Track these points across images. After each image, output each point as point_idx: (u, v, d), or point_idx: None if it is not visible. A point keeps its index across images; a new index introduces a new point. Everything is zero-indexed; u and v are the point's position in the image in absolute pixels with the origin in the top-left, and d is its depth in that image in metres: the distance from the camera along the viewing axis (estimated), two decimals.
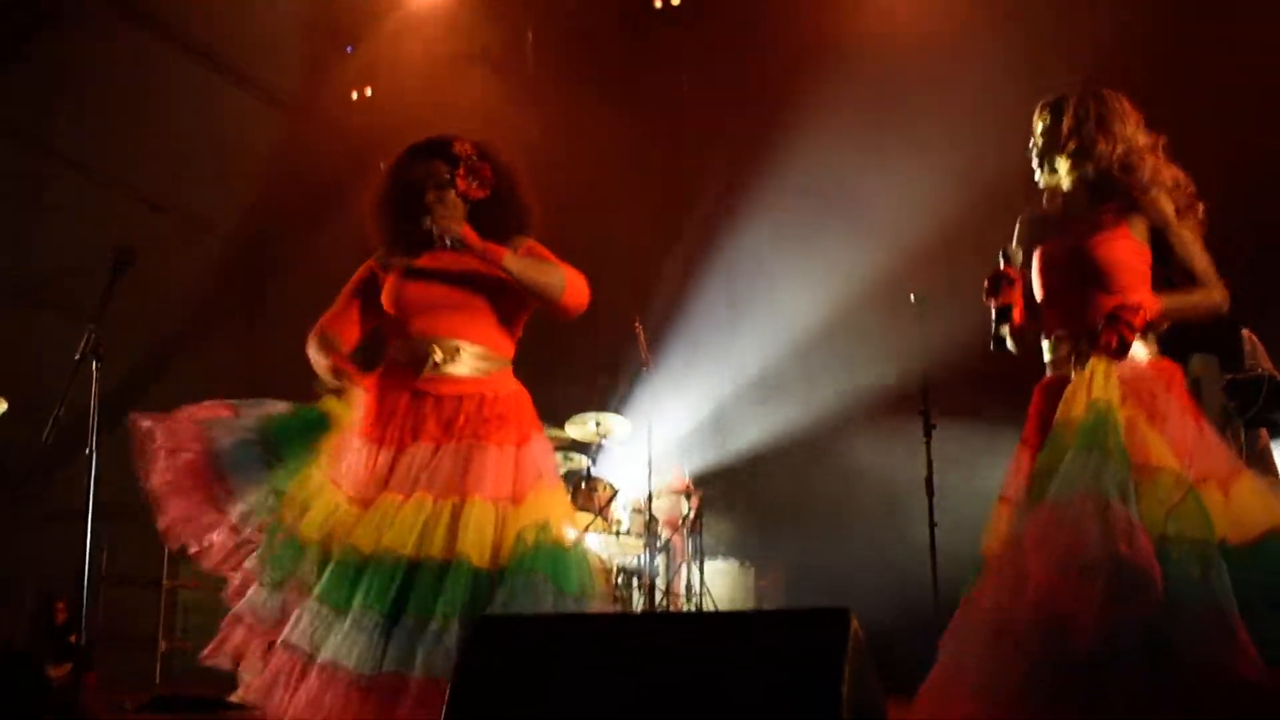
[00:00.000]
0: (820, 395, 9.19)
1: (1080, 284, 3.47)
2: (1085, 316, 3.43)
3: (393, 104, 10.86)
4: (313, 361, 3.70)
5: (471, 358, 3.56)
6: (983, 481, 7.33)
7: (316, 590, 3.29)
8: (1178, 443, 3.20)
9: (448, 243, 3.49)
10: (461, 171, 3.65)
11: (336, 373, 3.62)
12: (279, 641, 3.23)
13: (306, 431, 3.58)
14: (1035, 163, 3.64)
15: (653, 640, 2.65)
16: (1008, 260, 3.56)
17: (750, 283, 9.65)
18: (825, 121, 8.87)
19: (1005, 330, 3.53)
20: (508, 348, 3.66)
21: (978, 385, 6.27)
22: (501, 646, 2.66)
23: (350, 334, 3.76)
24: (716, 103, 9.68)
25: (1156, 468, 3.13)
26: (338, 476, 3.51)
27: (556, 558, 3.36)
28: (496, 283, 3.56)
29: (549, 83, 10.47)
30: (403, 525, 3.31)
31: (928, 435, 5.90)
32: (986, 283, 3.54)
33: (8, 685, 3.53)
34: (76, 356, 4.04)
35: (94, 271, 4.42)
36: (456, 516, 3.34)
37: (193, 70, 10.81)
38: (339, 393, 3.59)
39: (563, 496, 3.69)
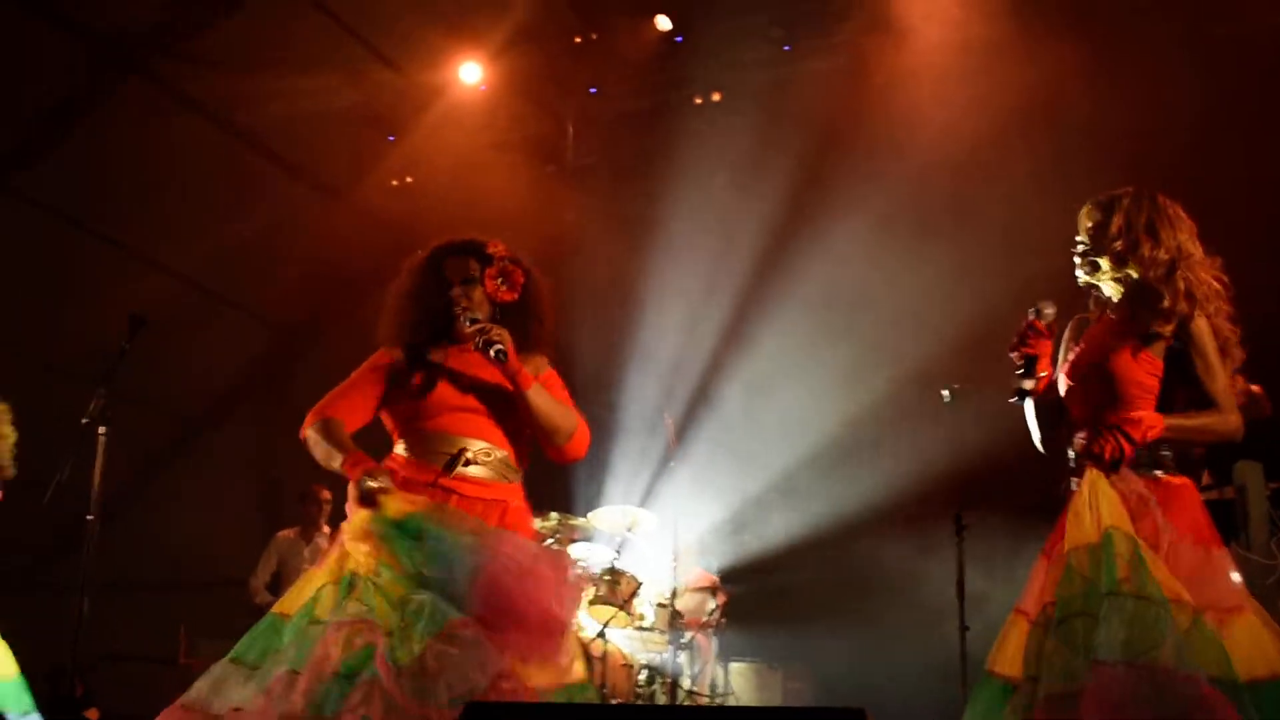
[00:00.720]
0: (850, 493, 9.05)
1: (1094, 396, 3.42)
2: (1093, 429, 3.35)
3: (433, 192, 10.95)
4: (312, 445, 3.58)
5: (499, 463, 3.52)
6: (1016, 584, 7.24)
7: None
8: (1175, 568, 3.07)
9: (492, 353, 3.44)
10: (493, 271, 3.64)
11: (353, 463, 3.42)
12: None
13: None
14: (1078, 260, 3.57)
15: None
16: (1038, 315, 3.49)
17: (777, 377, 9.55)
18: (855, 217, 8.86)
19: (1028, 385, 3.48)
20: (522, 463, 3.63)
21: (1011, 483, 6.15)
22: None
23: (355, 421, 3.66)
24: (747, 196, 9.65)
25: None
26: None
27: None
28: (513, 397, 3.55)
29: (586, 173, 10.53)
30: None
31: (960, 535, 5.73)
32: (1015, 336, 3.50)
33: None
34: (84, 420, 3.97)
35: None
36: None
37: (237, 154, 10.95)
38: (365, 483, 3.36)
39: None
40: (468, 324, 3.51)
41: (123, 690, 9.10)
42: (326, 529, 8.51)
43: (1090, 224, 3.53)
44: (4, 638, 5.56)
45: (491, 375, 3.54)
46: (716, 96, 10.02)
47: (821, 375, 9.09)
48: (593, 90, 10.51)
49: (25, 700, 4.78)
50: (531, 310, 3.68)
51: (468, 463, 3.45)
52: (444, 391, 3.55)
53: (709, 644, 8.10)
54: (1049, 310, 3.50)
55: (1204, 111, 7.79)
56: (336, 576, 3.30)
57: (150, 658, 9.47)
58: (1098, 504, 3.12)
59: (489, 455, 3.49)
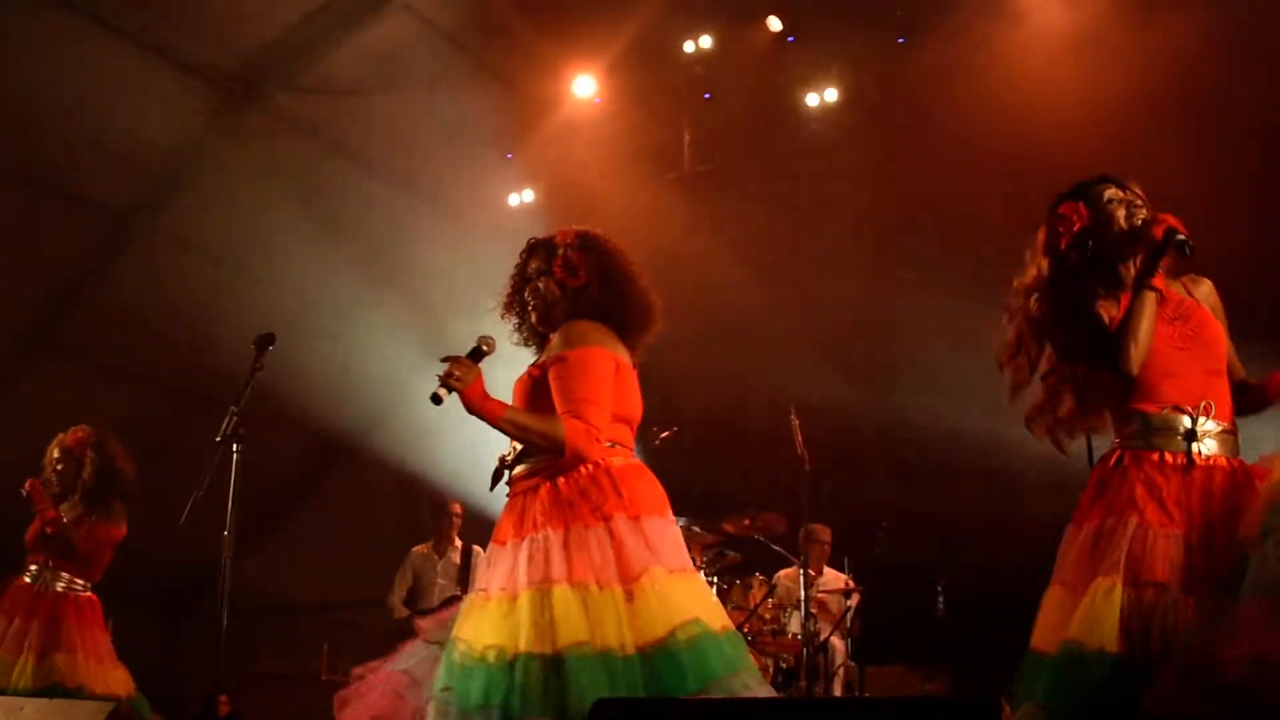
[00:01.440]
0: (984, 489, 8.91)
1: (1202, 365, 3.41)
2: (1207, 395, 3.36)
3: (552, 206, 11.05)
4: None
5: (528, 457, 3.60)
6: None
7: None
8: None
9: (440, 396, 3.50)
10: (558, 261, 3.70)
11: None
12: None
13: None
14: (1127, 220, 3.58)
15: None
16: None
17: (907, 376, 9.41)
18: (969, 208, 8.71)
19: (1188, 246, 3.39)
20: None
21: None
22: None
23: None
24: (861, 196, 9.54)
25: None
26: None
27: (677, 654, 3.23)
28: (538, 386, 3.61)
29: (704, 179, 10.51)
30: (493, 626, 3.30)
31: None
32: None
33: None
34: (218, 439, 4.07)
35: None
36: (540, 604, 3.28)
37: (356, 178, 11.17)
38: None
39: (685, 579, 3.49)
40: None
41: (270, 709, 9.33)
42: (459, 542, 8.61)
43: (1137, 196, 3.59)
44: (164, 660, 5.87)
45: (530, 372, 3.68)
46: (834, 95, 9.93)
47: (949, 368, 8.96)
48: (707, 96, 10.48)
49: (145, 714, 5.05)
50: (606, 286, 3.70)
51: (506, 466, 3.64)
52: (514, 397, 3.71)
53: (843, 646, 8.01)
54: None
55: None
56: None
57: (295, 676, 9.67)
58: None
59: (515, 450, 3.61)
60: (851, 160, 9.77)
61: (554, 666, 3.14)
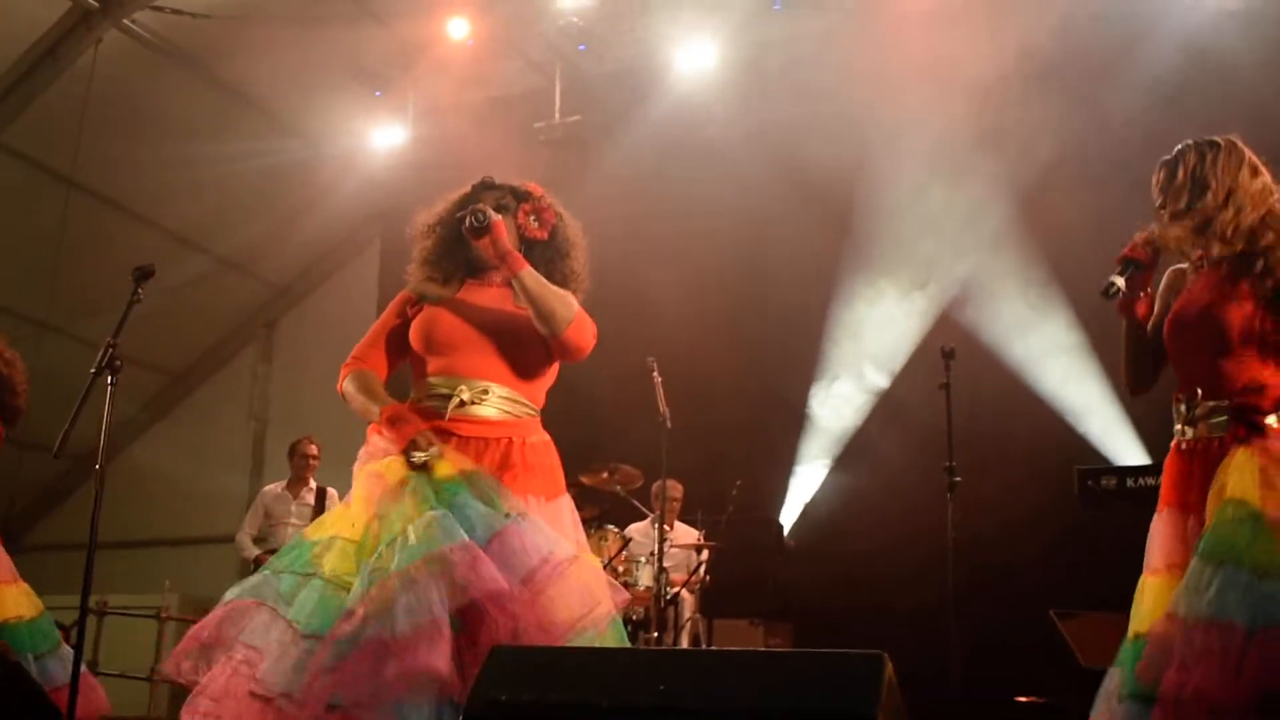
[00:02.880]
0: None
1: (1206, 348, 3.36)
2: (1212, 383, 3.33)
3: (421, 146, 10.93)
4: (348, 398, 3.50)
5: (499, 400, 3.39)
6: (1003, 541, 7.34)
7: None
8: None
9: (480, 217, 3.37)
10: (527, 207, 3.58)
11: (393, 420, 3.34)
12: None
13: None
14: (1145, 241, 3.48)
15: (686, 674, 2.54)
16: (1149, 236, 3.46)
17: (774, 334, 9.61)
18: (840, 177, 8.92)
19: (1118, 281, 3.38)
20: (537, 396, 3.49)
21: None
22: (516, 676, 2.56)
23: (386, 369, 3.60)
24: (732, 159, 9.65)
25: None
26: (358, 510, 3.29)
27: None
28: (526, 327, 3.43)
29: (573, 130, 10.51)
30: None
31: (950, 491, 5.78)
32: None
33: (14, 705, 3.42)
34: (92, 370, 3.97)
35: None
36: None
37: (224, 108, 10.92)
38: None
39: (597, 565, 3.49)
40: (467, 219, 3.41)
41: (107, 645, 9.14)
42: (313, 484, 8.51)
43: (1158, 182, 3.50)
44: None
45: (501, 304, 3.48)
46: (708, 55, 9.99)
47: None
48: (582, 47, 10.46)
49: (53, 635, 4.76)
50: (560, 250, 3.59)
51: (460, 404, 3.35)
52: (447, 329, 3.46)
53: (692, 600, 8.17)
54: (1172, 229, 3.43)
55: None
56: (357, 536, 3.20)
57: (135, 612, 9.48)
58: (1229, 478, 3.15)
59: (486, 394, 3.38)
60: (723, 123, 9.85)
61: None
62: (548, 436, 3.50)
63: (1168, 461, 3.43)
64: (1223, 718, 2.88)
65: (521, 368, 3.46)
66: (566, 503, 3.45)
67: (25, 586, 5.01)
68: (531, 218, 3.57)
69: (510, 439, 3.37)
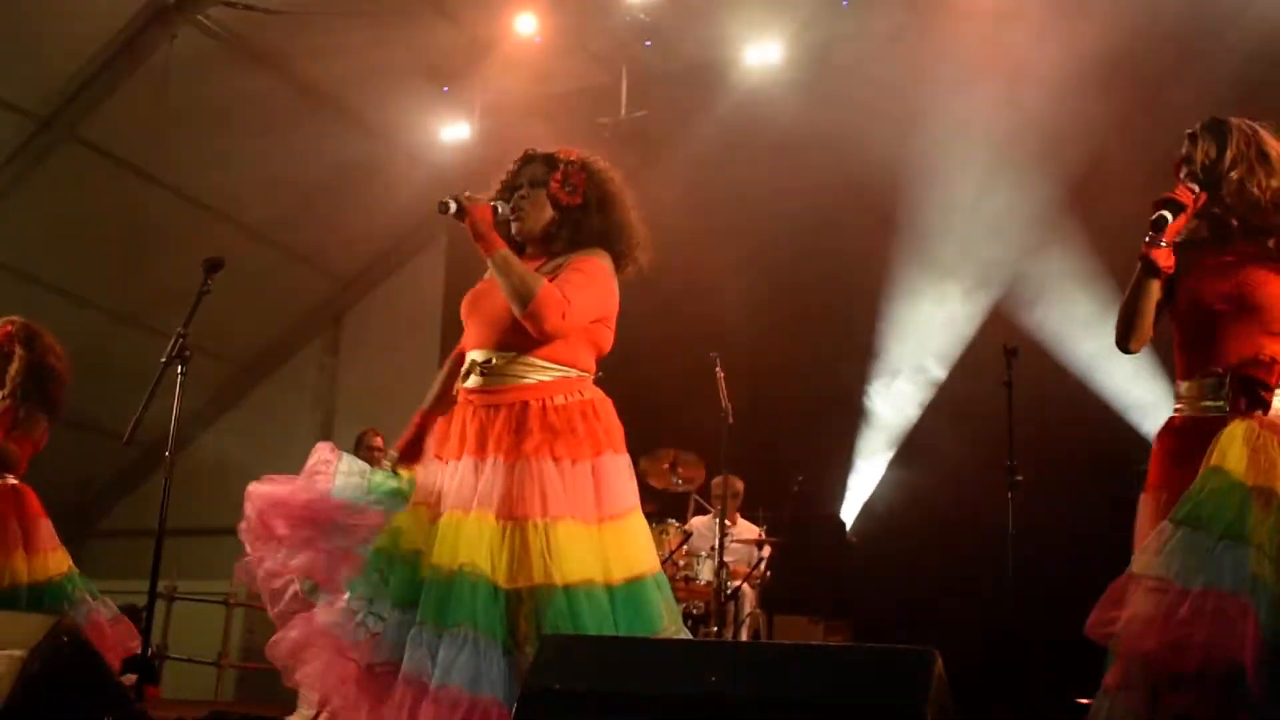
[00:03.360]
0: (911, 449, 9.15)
1: (1233, 324, 3.32)
2: (1238, 357, 3.29)
3: (488, 142, 11.02)
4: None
5: (522, 366, 3.45)
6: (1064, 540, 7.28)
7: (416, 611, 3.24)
8: None
9: (449, 206, 3.44)
10: (558, 175, 3.61)
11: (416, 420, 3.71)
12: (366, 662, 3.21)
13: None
14: (1188, 186, 3.41)
15: (736, 665, 2.57)
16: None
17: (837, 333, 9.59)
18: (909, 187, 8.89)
19: (1170, 217, 3.31)
20: (571, 356, 3.50)
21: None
22: (569, 666, 2.60)
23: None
24: (797, 156, 9.62)
25: None
26: (418, 496, 3.46)
27: (629, 599, 3.29)
28: None
29: (639, 125, 10.53)
30: (469, 545, 3.24)
31: (1011, 490, 5.75)
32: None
33: (81, 683, 3.52)
34: (163, 360, 4.07)
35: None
36: (524, 539, 3.25)
37: (297, 105, 11.07)
38: None
39: (630, 522, 3.47)
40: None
41: (177, 628, 9.30)
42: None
43: (1203, 150, 3.44)
44: None
45: None
46: (774, 51, 9.98)
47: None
48: (648, 43, 10.49)
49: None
50: (597, 212, 3.61)
51: (482, 374, 3.46)
52: (474, 306, 3.59)
53: (752, 595, 8.17)
54: (1196, 187, 3.38)
55: None
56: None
57: (202, 598, 9.66)
58: (1224, 450, 3.12)
59: (491, 363, 3.45)
60: (790, 117, 9.83)
61: (539, 597, 3.17)
62: (587, 396, 3.51)
63: (1160, 442, 3.41)
64: (1159, 676, 2.89)
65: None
66: (607, 461, 3.43)
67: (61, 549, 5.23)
68: (562, 184, 3.60)
69: (526, 402, 3.42)
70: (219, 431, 13.51)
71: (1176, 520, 3.04)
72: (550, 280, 3.45)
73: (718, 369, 7.54)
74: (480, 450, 3.38)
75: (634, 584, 3.32)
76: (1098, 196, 8.33)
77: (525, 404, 3.41)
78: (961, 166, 8.92)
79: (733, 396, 7.54)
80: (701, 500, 8.42)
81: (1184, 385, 3.42)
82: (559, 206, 3.60)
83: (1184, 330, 3.44)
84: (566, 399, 3.44)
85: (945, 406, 8.98)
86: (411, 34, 10.40)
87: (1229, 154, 3.40)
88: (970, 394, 8.29)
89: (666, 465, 8.16)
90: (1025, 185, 8.69)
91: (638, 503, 3.53)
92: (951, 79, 8.91)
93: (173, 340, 4.09)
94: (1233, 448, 3.11)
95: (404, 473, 3.61)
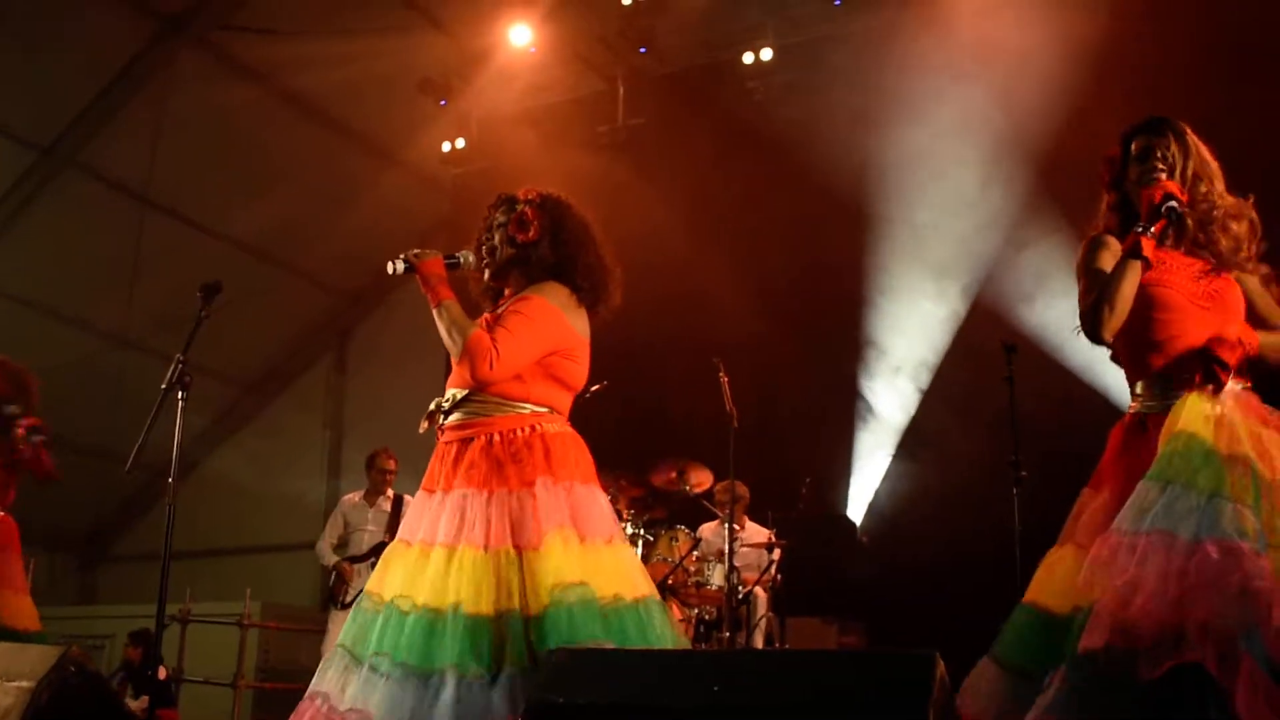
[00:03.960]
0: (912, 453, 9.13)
1: (1196, 324, 3.31)
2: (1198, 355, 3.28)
3: (485, 154, 11.03)
4: None
5: (472, 403, 3.61)
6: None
7: (342, 639, 3.43)
8: None
9: (397, 267, 3.65)
10: (514, 217, 3.73)
11: None
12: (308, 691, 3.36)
13: None
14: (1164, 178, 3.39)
15: (736, 675, 2.58)
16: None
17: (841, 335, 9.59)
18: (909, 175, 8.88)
19: (1179, 206, 3.30)
20: (524, 393, 3.60)
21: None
22: (571, 680, 2.61)
23: None
24: (795, 156, 9.62)
25: None
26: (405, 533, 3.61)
27: (576, 619, 3.27)
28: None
29: (637, 133, 10.55)
30: (410, 576, 3.41)
31: (1017, 486, 5.75)
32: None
33: (89, 713, 3.53)
34: (163, 386, 4.08)
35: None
36: (447, 564, 3.38)
37: (290, 121, 11.11)
38: None
39: (613, 548, 3.53)
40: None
41: (192, 651, 9.31)
42: (390, 492, 8.63)
43: (1172, 153, 3.43)
44: (81, 603, 5.67)
45: (486, 319, 3.68)
46: (768, 53, 9.99)
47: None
48: (643, 50, 10.50)
49: None
50: (554, 245, 3.72)
51: (440, 413, 3.64)
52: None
53: (765, 598, 8.16)
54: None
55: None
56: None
57: (218, 620, 9.66)
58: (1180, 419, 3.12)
59: (457, 399, 3.61)
60: (785, 118, 9.84)
61: (450, 622, 3.26)
62: (550, 429, 3.59)
63: (1113, 440, 3.40)
64: (1160, 628, 2.83)
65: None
66: (542, 489, 3.46)
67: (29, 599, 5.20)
68: (515, 225, 3.73)
69: (474, 437, 3.57)
70: (228, 454, 13.56)
71: (1160, 480, 3.03)
72: (494, 320, 3.62)
73: (721, 374, 7.53)
74: (447, 484, 3.54)
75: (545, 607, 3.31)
76: (1095, 189, 8.30)
77: (473, 439, 3.56)
78: (958, 163, 8.92)
79: (737, 400, 7.54)
80: (709, 505, 8.42)
81: (1140, 384, 3.40)
82: (514, 244, 3.73)
83: (1143, 328, 3.37)
84: (516, 432, 3.55)
85: (948, 404, 8.96)
86: (406, 48, 10.42)
87: (1192, 163, 3.42)
88: (972, 390, 8.27)
89: (674, 474, 8.16)
90: (1021, 179, 8.69)
91: (592, 531, 3.52)
92: (947, 75, 8.91)
93: (172, 366, 4.10)
94: (1192, 417, 3.12)
95: None
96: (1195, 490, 2.97)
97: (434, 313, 3.59)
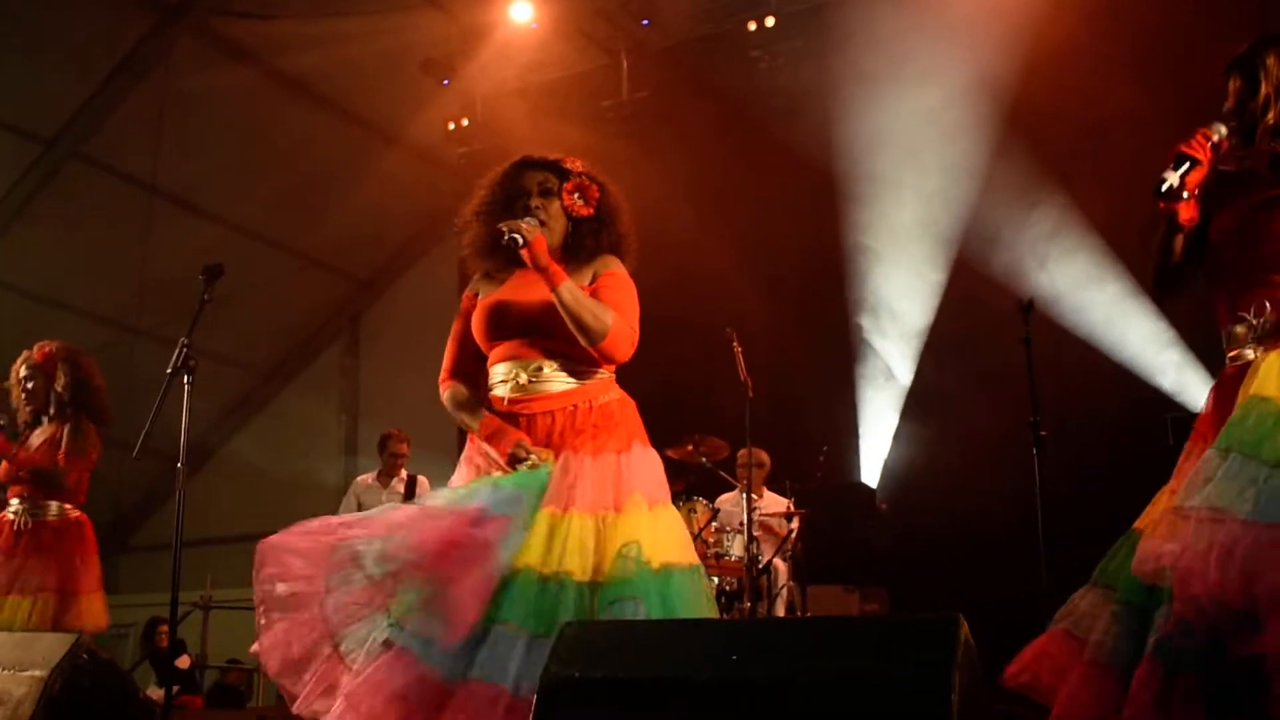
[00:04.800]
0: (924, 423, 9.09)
1: (1259, 261, 3.18)
2: (1268, 296, 3.14)
3: (490, 132, 10.97)
4: (452, 414, 3.66)
5: (555, 372, 3.50)
6: (1093, 494, 7.20)
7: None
8: None
9: (517, 240, 3.40)
10: (570, 186, 3.60)
11: (492, 436, 3.48)
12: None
13: None
14: (1206, 134, 3.24)
15: (756, 645, 2.53)
16: (1211, 129, 3.23)
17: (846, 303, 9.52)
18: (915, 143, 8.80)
19: (1173, 178, 3.16)
20: (601, 358, 3.52)
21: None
22: (588, 653, 2.56)
23: (470, 377, 3.67)
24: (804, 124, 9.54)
25: None
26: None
27: (657, 581, 3.28)
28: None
29: (641, 105, 10.47)
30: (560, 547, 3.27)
31: (1037, 447, 5.68)
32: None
33: (103, 700, 3.51)
34: (168, 370, 4.05)
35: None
36: (554, 529, 3.27)
37: (289, 102, 11.07)
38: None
39: (670, 513, 3.52)
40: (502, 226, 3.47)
41: (216, 637, 9.35)
42: (404, 473, 8.62)
43: (1233, 91, 3.30)
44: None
45: (542, 289, 3.47)
46: (770, 21, 9.89)
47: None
48: (645, 22, 10.42)
49: None
50: (605, 219, 3.63)
51: (519, 386, 3.48)
52: (500, 318, 3.57)
53: (785, 568, 8.13)
54: (1222, 129, 3.24)
55: None
56: None
57: (240, 605, 9.68)
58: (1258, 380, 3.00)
59: (541, 371, 3.49)
60: (789, 88, 9.75)
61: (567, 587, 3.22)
62: (618, 394, 3.58)
63: (1211, 396, 3.26)
64: (1213, 611, 2.74)
65: (572, 341, 3.48)
66: (639, 454, 3.47)
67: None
68: (576, 196, 3.60)
69: (575, 405, 3.48)
70: (245, 439, 13.57)
71: (1223, 448, 2.92)
72: (601, 288, 3.54)
73: (735, 344, 7.49)
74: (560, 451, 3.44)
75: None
76: (1109, 145, 8.22)
77: (574, 407, 3.49)
78: (965, 126, 8.84)
79: (752, 370, 7.50)
80: (727, 476, 8.38)
81: (1224, 333, 3.28)
82: (572, 217, 3.62)
83: (1224, 262, 3.28)
84: (607, 398, 3.53)
85: (962, 368, 8.88)
86: (408, 27, 10.36)
87: (1261, 93, 3.27)
88: (985, 352, 8.19)
89: (690, 447, 8.12)
90: (1033, 140, 8.61)
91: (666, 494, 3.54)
92: (955, 36, 8.82)
93: (177, 350, 4.08)
94: (1271, 376, 2.99)
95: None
96: (1258, 460, 2.85)
97: (557, 294, 3.41)
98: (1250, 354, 3.15)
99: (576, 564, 3.23)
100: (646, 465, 3.49)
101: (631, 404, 3.58)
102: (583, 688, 2.45)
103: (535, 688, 2.79)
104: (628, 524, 3.33)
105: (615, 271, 3.59)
